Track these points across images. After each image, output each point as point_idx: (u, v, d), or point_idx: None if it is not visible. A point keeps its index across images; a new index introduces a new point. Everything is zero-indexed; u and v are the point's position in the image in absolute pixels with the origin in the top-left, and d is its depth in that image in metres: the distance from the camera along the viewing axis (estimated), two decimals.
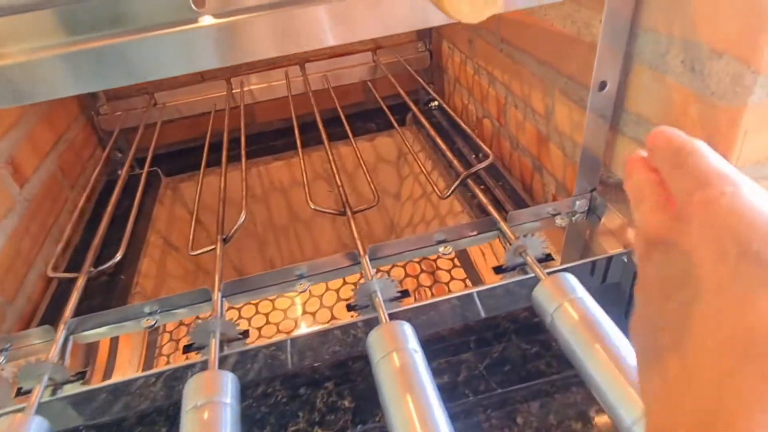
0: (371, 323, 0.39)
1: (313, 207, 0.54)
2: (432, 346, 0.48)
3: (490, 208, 0.48)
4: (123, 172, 0.75)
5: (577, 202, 0.47)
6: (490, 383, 0.45)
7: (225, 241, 0.52)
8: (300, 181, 1.04)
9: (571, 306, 0.35)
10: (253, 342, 0.41)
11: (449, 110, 0.78)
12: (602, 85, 0.41)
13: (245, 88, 0.91)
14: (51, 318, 0.54)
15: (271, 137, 1.02)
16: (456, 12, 0.24)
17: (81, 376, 0.40)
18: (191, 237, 0.56)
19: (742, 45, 0.30)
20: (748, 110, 0.31)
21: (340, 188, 0.59)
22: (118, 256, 0.54)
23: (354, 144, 0.73)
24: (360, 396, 0.45)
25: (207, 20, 0.31)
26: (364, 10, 0.32)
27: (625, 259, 0.44)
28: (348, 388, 0.46)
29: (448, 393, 0.45)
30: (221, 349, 0.40)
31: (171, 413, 0.46)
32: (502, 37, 0.63)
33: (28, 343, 0.43)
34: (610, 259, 0.44)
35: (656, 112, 0.39)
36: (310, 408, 0.45)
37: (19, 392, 0.40)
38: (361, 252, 0.45)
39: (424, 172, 0.63)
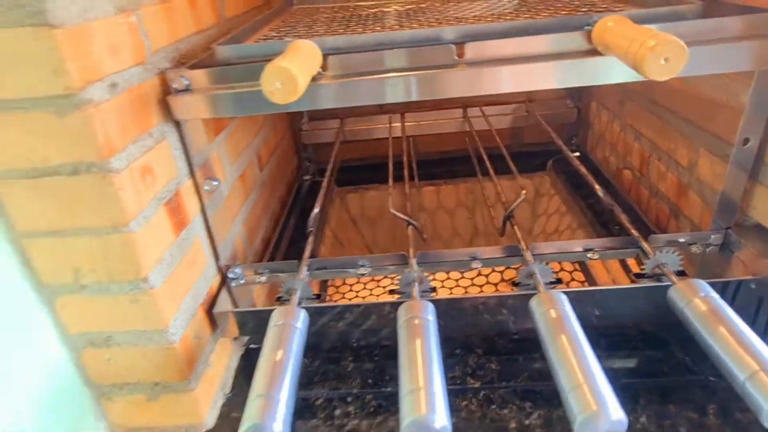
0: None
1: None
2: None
3: (633, 230, 0.59)
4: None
5: (712, 236, 0.57)
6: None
7: (417, 228, 0.68)
8: (444, 206, 1.21)
9: (702, 302, 0.46)
10: (436, 295, 0.56)
11: (592, 159, 0.90)
12: (745, 141, 0.51)
13: (413, 122, 1.10)
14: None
15: (427, 165, 1.20)
16: (650, 72, 0.37)
17: (317, 297, 0.58)
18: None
19: None
20: None
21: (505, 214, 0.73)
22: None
23: (495, 180, 0.87)
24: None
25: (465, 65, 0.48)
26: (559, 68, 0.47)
27: (753, 286, 0.53)
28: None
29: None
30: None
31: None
32: (654, 99, 0.75)
33: (280, 269, 0.62)
34: (739, 283, 0.53)
35: None
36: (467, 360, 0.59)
37: (278, 300, 0.58)
38: (524, 247, 0.59)
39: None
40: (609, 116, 0.95)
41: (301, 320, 0.51)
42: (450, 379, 0.59)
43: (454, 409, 0.55)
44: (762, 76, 0.48)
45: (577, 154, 1.11)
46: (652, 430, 0.51)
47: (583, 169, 0.74)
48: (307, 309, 0.53)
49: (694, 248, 0.57)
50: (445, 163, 1.18)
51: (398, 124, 1.10)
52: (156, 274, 0.49)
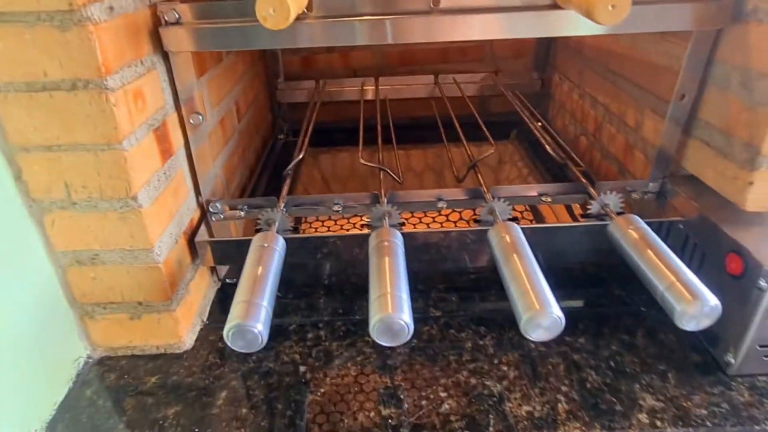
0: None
1: (362, 161, 0.74)
2: None
3: (583, 179, 0.66)
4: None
5: (650, 184, 0.64)
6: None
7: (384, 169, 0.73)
8: (413, 169, 1.26)
9: (635, 231, 0.52)
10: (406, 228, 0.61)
11: (551, 129, 0.96)
12: (681, 97, 0.58)
13: (388, 86, 1.14)
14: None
15: (398, 130, 1.25)
16: (600, 17, 0.42)
17: (294, 230, 0.62)
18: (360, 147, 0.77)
19: None
20: None
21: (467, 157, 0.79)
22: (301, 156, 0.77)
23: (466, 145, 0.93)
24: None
25: (439, 12, 0.52)
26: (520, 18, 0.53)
27: (681, 226, 0.60)
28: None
29: None
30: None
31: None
32: (609, 67, 0.82)
33: (259, 205, 0.65)
34: (670, 223, 0.60)
35: (720, 120, 0.56)
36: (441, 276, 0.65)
37: (257, 230, 0.62)
38: (486, 189, 0.64)
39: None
40: (569, 86, 1.01)
41: (280, 245, 0.55)
42: (414, 310, 0.65)
43: (417, 333, 0.61)
44: (699, 35, 0.55)
45: (540, 123, 1.18)
46: (589, 348, 0.58)
47: (540, 134, 0.80)
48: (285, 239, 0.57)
49: (634, 195, 0.64)
50: (415, 128, 1.23)
51: (372, 88, 1.14)
52: (144, 195, 0.52)
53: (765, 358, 0.52)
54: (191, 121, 0.60)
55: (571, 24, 0.52)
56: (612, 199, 0.60)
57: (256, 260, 0.52)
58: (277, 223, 0.60)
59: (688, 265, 0.59)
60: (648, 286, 0.48)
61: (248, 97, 0.96)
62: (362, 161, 0.76)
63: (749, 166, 0.51)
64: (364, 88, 1.14)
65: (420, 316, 0.64)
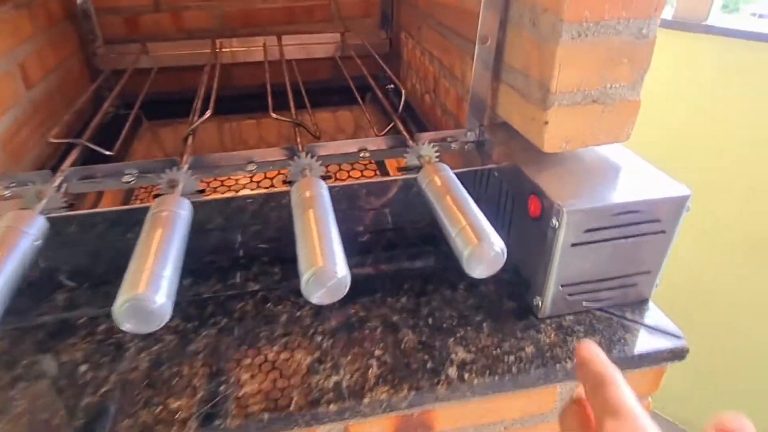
0: None
1: (273, 115, 0.68)
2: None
3: (404, 132, 0.63)
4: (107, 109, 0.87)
5: (468, 133, 0.62)
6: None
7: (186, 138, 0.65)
8: (267, 141, 1.18)
9: (439, 179, 0.50)
10: (209, 195, 0.54)
11: (404, 90, 0.93)
12: (485, 40, 0.56)
13: (227, 49, 1.05)
14: None
15: (246, 98, 1.16)
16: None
17: (70, 208, 0.53)
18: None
19: (555, 3, 0.46)
20: (560, 48, 0.47)
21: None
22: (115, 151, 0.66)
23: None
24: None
25: None
26: None
27: (496, 174, 0.59)
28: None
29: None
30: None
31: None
32: (439, 20, 0.79)
33: (29, 180, 0.55)
34: (486, 172, 0.59)
35: (520, 61, 0.55)
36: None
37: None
38: (301, 148, 0.59)
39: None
40: (413, 44, 0.99)
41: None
42: (229, 286, 0.59)
43: (229, 312, 0.55)
44: None
45: (392, 86, 1.15)
46: (410, 307, 0.55)
47: (380, 96, 0.76)
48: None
49: (454, 145, 0.62)
50: (262, 96, 1.15)
51: (208, 51, 1.04)
52: None
53: (569, 297, 0.52)
54: None
55: None
56: (427, 150, 0.57)
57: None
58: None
59: (502, 212, 0.58)
60: (445, 234, 0.46)
61: (47, 62, 0.82)
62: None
63: (543, 106, 0.50)
64: (202, 52, 1.04)
65: (236, 293, 0.58)
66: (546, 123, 0.50)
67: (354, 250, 0.62)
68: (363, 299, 0.56)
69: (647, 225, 0.49)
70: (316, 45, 1.08)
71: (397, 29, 1.08)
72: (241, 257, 0.63)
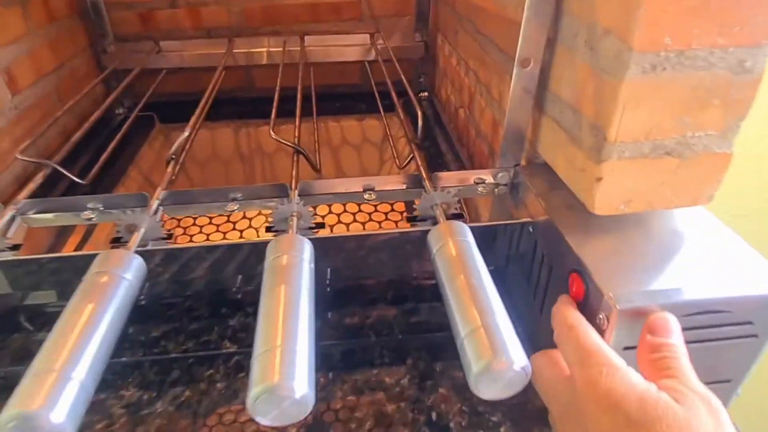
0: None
1: (273, 137, 0.59)
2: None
3: (421, 169, 0.52)
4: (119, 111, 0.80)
5: (500, 174, 0.51)
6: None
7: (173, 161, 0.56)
8: (284, 149, 1.09)
9: (454, 246, 0.39)
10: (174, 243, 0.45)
11: (439, 98, 0.82)
12: (525, 63, 0.44)
13: (242, 50, 0.96)
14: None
15: (266, 102, 1.07)
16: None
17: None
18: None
19: (621, 23, 0.34)
20: (625, 85, 0.34)
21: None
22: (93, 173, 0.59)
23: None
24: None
25: None
26: None
27: (531, 230, 0.47)
28: None
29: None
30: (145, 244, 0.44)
31: None
32: (477, 26, 0.67)
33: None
34: (522, 225, 0.47)
35: (570, 93, 0.42)
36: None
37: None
38: (293, 186, 0.49)
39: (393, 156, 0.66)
40: (449, 49, 0.87)
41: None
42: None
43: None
44: None
45: (425, 93, 1.03)
46: (411, 393, 0.45)
47: (417, 107, 0.65)
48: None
49: (480, 188, 0.51)
50: (285, 100, 1.05)
51: (223, 51, 0.95)
52: None
53: None
54: None
55: None
56: (444, 197, 0.46)
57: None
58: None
59: (536, 281, 0.47)
60: (451, 327, 0.35)
61: (42, 63, 0.75)
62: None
63: (597, 158, 0.38)
64: (219, 53, 0.95)
65: (207, 354, 0.49)
66: (599, 180, 0.38)
67: (347, 304, 0.52)
68: (356, 375, 0.46)
69: (733, 328, 0.36)
70: (343, 47, 0.98)
71: (434, 31, 0.96)
72: (223, 305, 0.54)
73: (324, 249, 0.43)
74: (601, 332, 0.35)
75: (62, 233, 0.64)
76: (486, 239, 0.56)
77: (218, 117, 1.00)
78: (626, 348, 0.36)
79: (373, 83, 0.89)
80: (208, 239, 0.87)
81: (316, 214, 0.46)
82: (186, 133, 0.60)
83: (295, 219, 0.44)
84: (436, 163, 0.83)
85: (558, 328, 0.33)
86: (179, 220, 0.91)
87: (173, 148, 0.57)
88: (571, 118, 0.42)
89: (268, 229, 0.46)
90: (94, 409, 0.44)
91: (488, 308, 0.33)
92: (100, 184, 0.75)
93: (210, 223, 0.91)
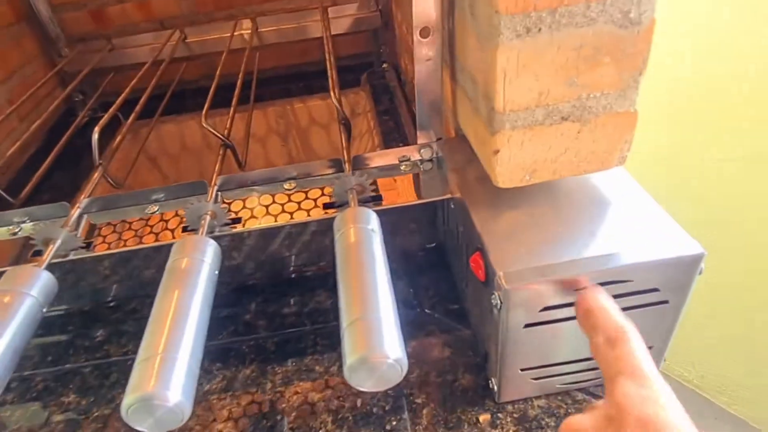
0: None
1: (204, 125, 0.58)
2: None
3: (344, 150, 0.50)
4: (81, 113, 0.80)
5: (422, 150, 0.49)
6: None
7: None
8: (253, 135, 1.08)
9: (354, 233, 0.38)
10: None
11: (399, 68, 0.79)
12: (424, 32, 0.42)
13: (198, 39, 0.94)
14: None
15: (228, 90, 1.06)
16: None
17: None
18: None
19: None
20: (500, 51, 0.32)
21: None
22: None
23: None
24: None
25: None
26: None
27: (452, 206, 0.46)
28: None
29: None
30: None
31: None
32: None
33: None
34: (445, 202, 0.46)
35: (469, 61, 0.40)
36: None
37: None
38: (213, 184, 0.48)
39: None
40: (401, 16, 0.83)
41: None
42: None
43: None
44: None
45: (386, 64, 1.00)
46: (341, 378, 0.45)
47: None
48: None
49: (404, 167, 0.49)
50: (247, 86, 1.04)
51: (174, 42, 0.93)
52: None
53: (534, 381, 0.39)
54: None
55: None
56: (358, 179, 0.45)
57: None
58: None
59: (464, 258, 0.45)
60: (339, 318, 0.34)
61: None
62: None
63: (491, 127, 0.36)
64: (171, 44, 0.94)
65: None
66: (496, 152, 0.36)
67: (280, 292, 0.52)
68: (288, 363, 0.46)
69: (639, 296, 0.35)
70: (297, 26, 0.95)
71: (390, 1, 0.93)
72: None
73: (236, 244, 0.43)
74: (499, 312, 0.34)
75: None
76: (427, 215, 0.55)
77: (184, 109, 0.99)
78: (527, 326, 0.35)
79: (332, 59, 0.87)
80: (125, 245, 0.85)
81: (230, 211, 0.46)
82: (117, 139, 0.60)
83: (207, 218, 0.44)
84: (394, 136, 0.81)
85: (602, 333, 0.29)
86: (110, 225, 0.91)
87: (95, 154, 0.56)
88: (472, 88, 0.40)
89: (185, 229, 0.46)
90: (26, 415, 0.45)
91: (372, 300, 0.32)
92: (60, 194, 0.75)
93: (146, 225, 0.90)
